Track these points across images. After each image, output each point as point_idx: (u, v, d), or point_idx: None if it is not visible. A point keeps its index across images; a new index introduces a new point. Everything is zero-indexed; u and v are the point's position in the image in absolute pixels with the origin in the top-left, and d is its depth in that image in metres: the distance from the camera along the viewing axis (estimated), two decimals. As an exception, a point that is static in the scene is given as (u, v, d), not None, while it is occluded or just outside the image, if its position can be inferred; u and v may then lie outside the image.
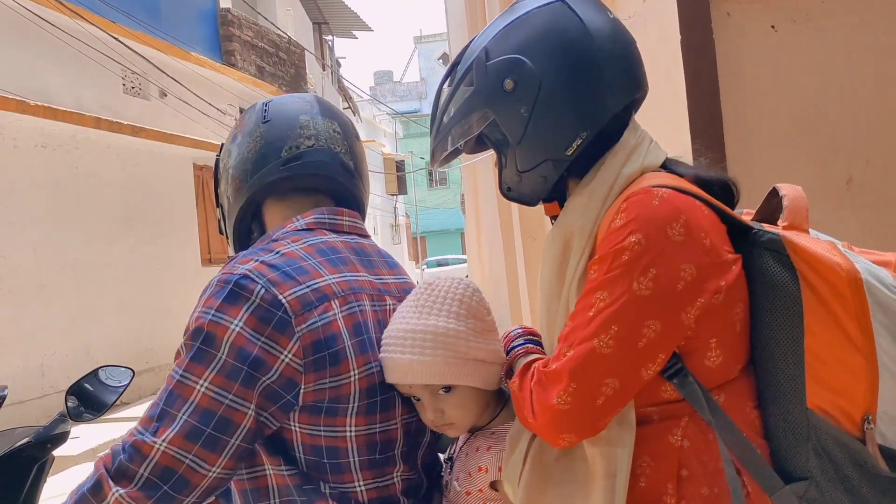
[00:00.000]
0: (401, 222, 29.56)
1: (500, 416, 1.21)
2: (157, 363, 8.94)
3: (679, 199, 1.00)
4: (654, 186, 1.01)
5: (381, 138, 28.67)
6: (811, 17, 2.25)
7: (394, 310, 1.21)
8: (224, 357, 1.05)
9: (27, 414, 6.58)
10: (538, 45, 1.07)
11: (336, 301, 1.12)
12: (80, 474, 1.23)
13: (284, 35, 13.86)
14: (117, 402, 1.82)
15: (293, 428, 1.11)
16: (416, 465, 1.21)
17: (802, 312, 0.97)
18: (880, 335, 0.95)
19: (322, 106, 1.34)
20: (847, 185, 2.25)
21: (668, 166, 1.11)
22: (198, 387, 1.04)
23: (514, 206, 4.28)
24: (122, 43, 8.27)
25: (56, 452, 1.77)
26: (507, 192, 1.19)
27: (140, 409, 5.34)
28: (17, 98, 6.95)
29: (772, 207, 1.11)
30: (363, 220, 1.37)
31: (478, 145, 1.20)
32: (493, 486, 1.15)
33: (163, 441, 1.02)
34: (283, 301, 1.08)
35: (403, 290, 1.27)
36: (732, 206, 1.10)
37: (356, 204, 1.35)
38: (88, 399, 1.78)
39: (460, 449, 1.22)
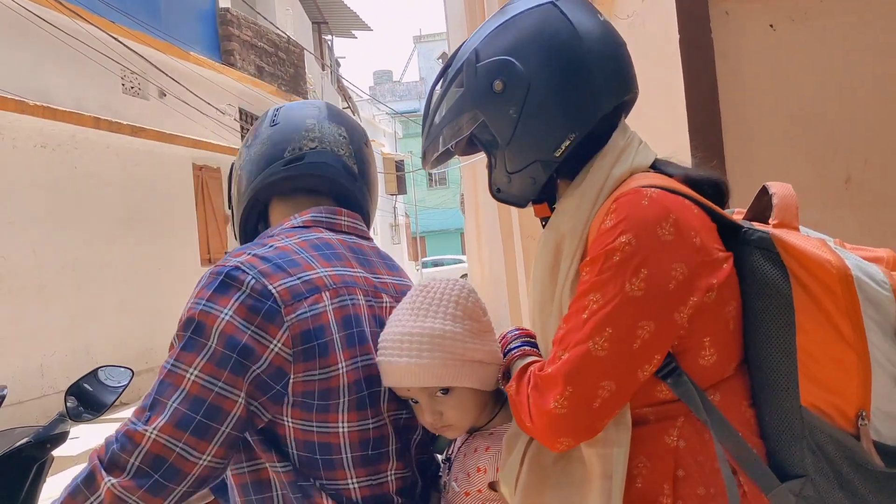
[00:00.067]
0: (400, 222, 29.56)
1: (499, 417, 1.20)
2: (156, 363, 8.93)
3: (668, 199, 1.00)
4: (643, 187, 1.02)
5: (381, 138, 28.67)
6: (810, 17, 2.25)
7: (391, 308, 1.21)
8: (214, 345, 1.06)
9: (27, 414, 6.58)
10: (527, 47, 1.08)
11: (327, 293, 1.13)
12: (80, 474, 1.24)
13: (284, 35, 13.86)
14: (116, 403, 1.82)
15: (286, 423, 1.11)
16: (411, 463, 1.21)
17: (794, 310, 0.97)
18: (871, 331, 0.95)
19: (331, 112, 1.36)
20: (846, 185, 2.25)
21: (657, 167, 1.11)
22: (188, 375, 1.05)
23: (514, 205, 4.27)
24: (121, 43, 8.27)
25: (55, 452, 1.77)
26: (497, 194, 1.19)
27: (140, 409, 5.32)
28: (17, 98, 6.95)
29: (762, 206, 1.11)
30: (367, 223, 1.38)
31: (469, 147, 1.20)
32: (492, 486, 1.15)
33: (153, 429, 1.03)
34: (273, 291, 1.09)
35: (402, 291, 1.26)
36: (723, 205, 1.10)
37: (359, 207, 1.35)
38: (88, 399, 1.78)
39: (458, 450, 1.22)
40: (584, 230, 1.05)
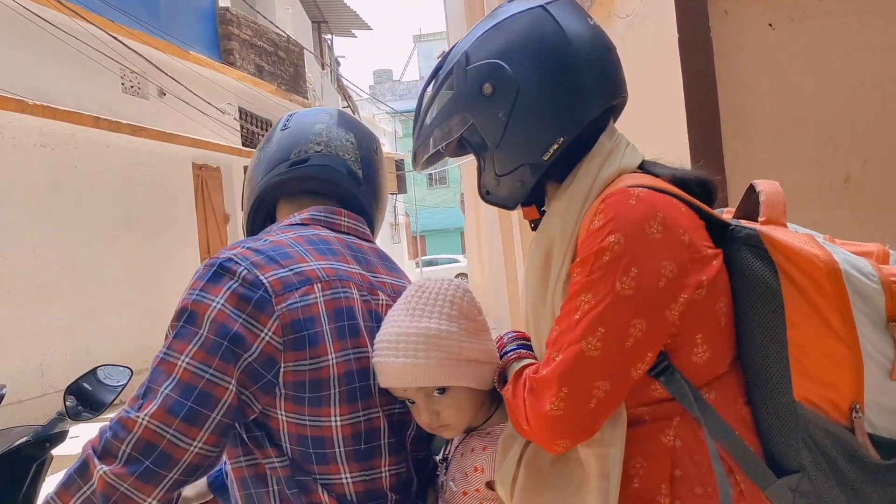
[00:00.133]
0: (400, 221, 29.56)
1: (495, 416, 1.20)
2: (156, 362, 8.91)
3: (655, 198, 1.01)
4: (630, 186, 1.02)
5: (381, 137, 28.65)
6: (809, 16, 2.26)
7: (387, 307, 1.21)
8: (205, 333, 1.07)
9: (27, 413, 6.58)
10: (517, 51, 1.09)
11: (319, 285, 1.14)
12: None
13: (283, 34, 13.85)
14: (116, 402, 1.82)
15: (280, 417, 1.12)
16: (407, 460, 1.21)
17: (783, 305, 0.97)
18: (862, 324, 0.95)
19: (342, 118, 1.40)
20: (845, 184, 2.25)
21: (645, 167, 1.12)
22: (179, 362, 1.06)
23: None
24: (120, 42, 8.27)
25: (55, 451, 1.77)
26: (486, 196, 1.20)
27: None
28: (16, 97, 6.94)
29: (751, 204, 1.12)
30: (371, 227, 1.39)
31: (459, 148, 1.21)
32: (490, 485, 1.15)
33: (145, 415, 1.03)
34: (265, 281, 1.10)
35: (399, 291, 1.27)
36: (711, 204, 1.11)
37: (362, 211, 1.37)
38: (87, 398, 1.78)
39: (455, 449, 1.22)
40: (573, 232, 1.06)
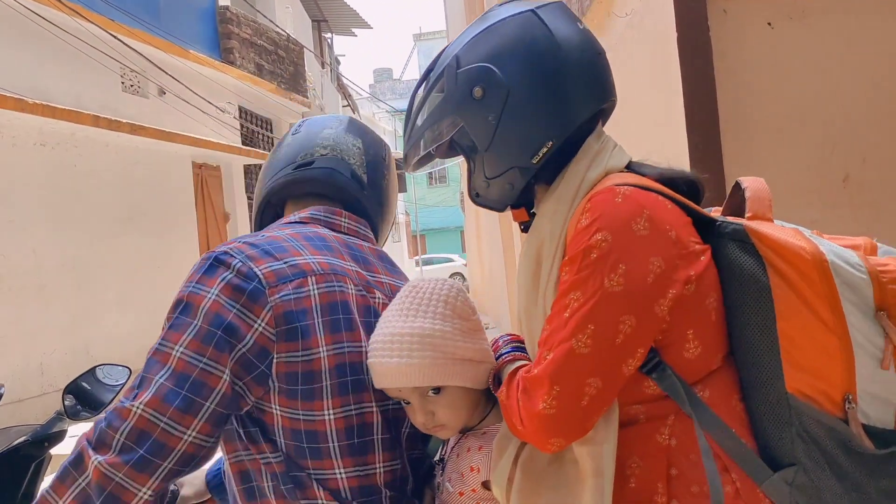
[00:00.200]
0: (400, 220, 29.55)
1: (491, 416, 1.20)
2: (156, 361, 8.91)
3: (641, 195, 1.02)
4: (616, 185, 1.03)
5: (381, 136, 28.56)
6: (807, 15, 2.26)
7: (384, 305, 1.22)
8: (199, 323, 1.08)
9: (26, 412, 6.59)
10: (507, 55, 1.10)
11: (313, 278, 1.15)
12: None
13: (283, 33, 13.85)
14: (114, 401, 1.82)
15: (274, 411, 1.12)
16: (402, 457, 1.21)
17: (772, 298, 0.98)
18: (851, 314, 0.96)
19: (352, 125, 1.43)
20: (844, 183, 2.25)
21: (632, 168, 1.13)
22: (174, 352, 1.07)
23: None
24: (120, 41, 8.26)
25: (53, 451, 1.77)
26: (476, 198, 1.21)
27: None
28: (16, 96, 6.94)
29: (737, 201, 1.13)
30: (376, 232, 1.40)
31: (450, 150, 1.22)
32: (486, 485, 1.15)
33: (140, 404, 1.04)
34: (259, 273, 1.12)
35: (397, 291, 1.27)
36: (698, 202, 1.12)
37: (366, 215, 1.38)
38: (86, 397, 1.78)
39: (451, 450, 1.22)
40: (561, 232, 1.06)
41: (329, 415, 1.12)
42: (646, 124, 2.66)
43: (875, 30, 2.24)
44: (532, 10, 1.13)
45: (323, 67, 18.56)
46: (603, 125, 1.18)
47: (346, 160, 1.35)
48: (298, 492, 1.12)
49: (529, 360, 1.13)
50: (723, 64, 2.25)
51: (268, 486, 1.14)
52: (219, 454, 1.30)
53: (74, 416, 1.74)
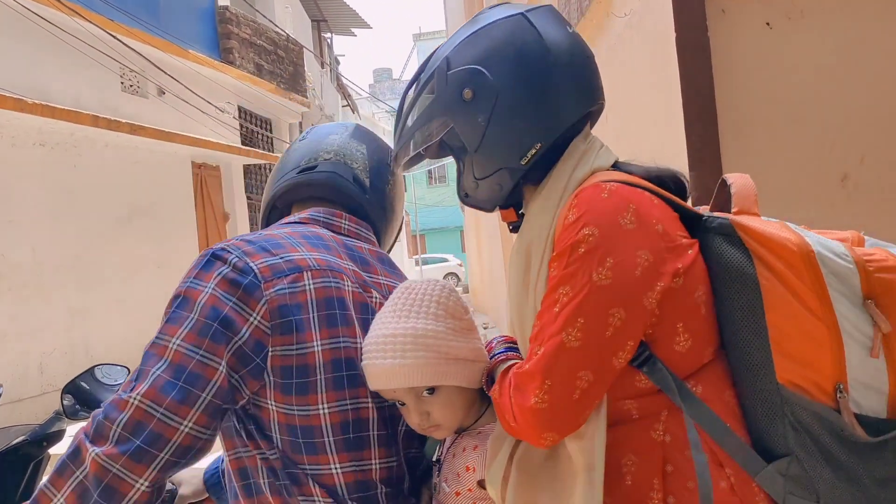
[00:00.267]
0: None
1: (486, 416, 1.21)
2: (156, 361, 8.90)
3: (627, 190, 1.03)
4: (602, 182, 1.05)
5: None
6: (806, 14, 2.26)
7: (380, 304, 1.22)
8: (196, 316, 1.10)
9: (26, 412, 6.59)
10: (497, 57, 1.12)
11: (309, 273, 1.17)
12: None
13: (283, 33, 13.84)
14: (113, 401, 1.81)
15: (269, 407, 1.13)
16: (398, 454, 1.22)
17: (760, 290, 0.99)
18: (839, 303, 0.97)
19: (358, 131, 1.46)
20: (842, 182, 2.26)
21: (618, 166, 1.15)
22: (170, 345, 1.09)
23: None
24: (120, 41, 8.26)
25: (52, 450, 1.77)
26: (465, 198, 1.23)
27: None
28: (15, 96, 6.93)
29: (723, 198, 1.14)
30: (378, 237, 1.42)
31: (440, 151, 1.23)
32: (481, 484, 1.15)
33: (137, 395, 1.05)
34: (254, 267, 1.14)
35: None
36: (684, 198, 1.14)
37: (368, 219, 1.39)
38: (84, 397, 1.78)
39: (447, 450, 1.23)
40: (550, 230, 1.08)
41: (324, 409, 1.13)
42: (644, 124, 2.67)
43: (873, 30, 2.24)
44: (522, 14, 1.14)
45: (322, 67, 18.56)
46: (591, 127, 1.20)
47: (349, 164, 1.37)
48: (295, 488, 1.13)
49: (522, 359, 1.13)
50: (721, 64, 2.26)
51: (265, 483, 1.15)
52: (218, 452, 1.31)
53: (73, 415, 1.74)
